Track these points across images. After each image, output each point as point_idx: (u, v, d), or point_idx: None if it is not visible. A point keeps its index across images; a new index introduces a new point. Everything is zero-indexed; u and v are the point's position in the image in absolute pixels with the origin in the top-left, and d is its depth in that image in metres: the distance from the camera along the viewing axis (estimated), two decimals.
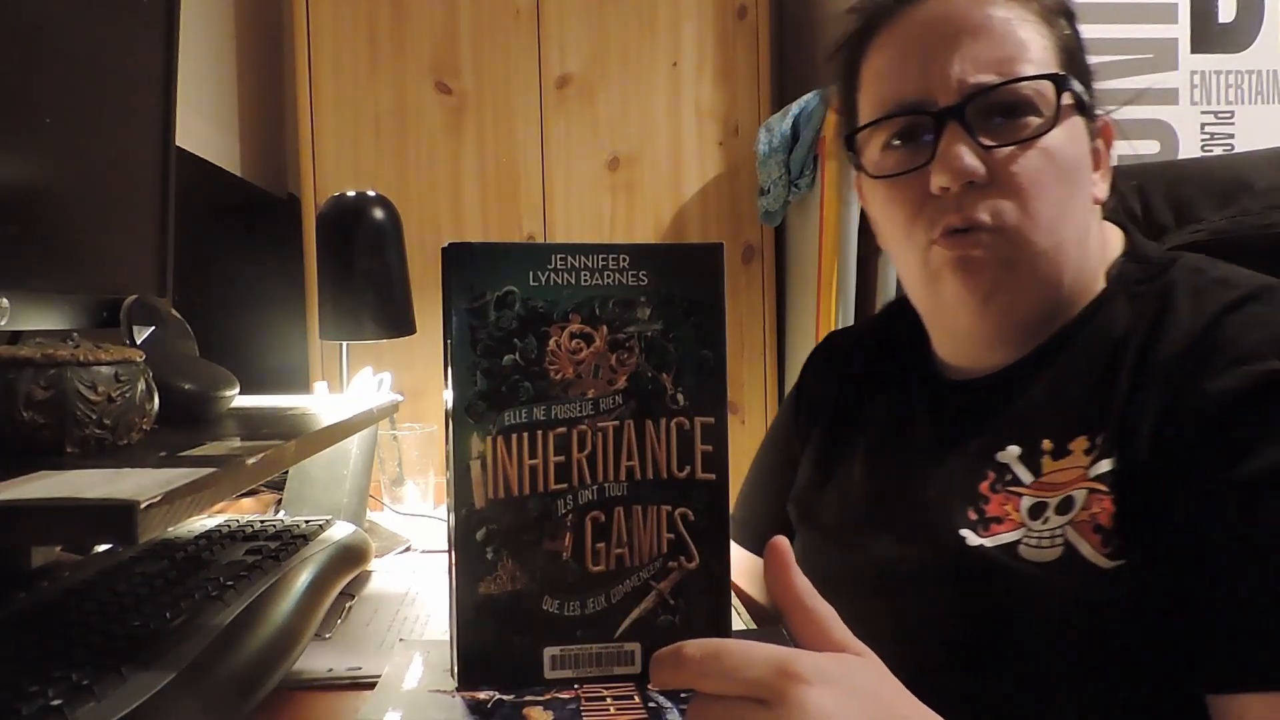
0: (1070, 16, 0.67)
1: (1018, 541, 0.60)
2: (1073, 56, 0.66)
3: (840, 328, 0.92)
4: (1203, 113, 1.64)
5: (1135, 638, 0.56)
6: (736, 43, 2.13)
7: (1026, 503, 0.61)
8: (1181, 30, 1.64)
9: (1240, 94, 1.65)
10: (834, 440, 0.79)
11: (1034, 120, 0.62)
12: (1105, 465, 0.59)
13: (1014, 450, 0.63)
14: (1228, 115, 1.64)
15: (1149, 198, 0.81)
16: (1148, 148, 1.61)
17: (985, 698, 0.59)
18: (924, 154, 0.64)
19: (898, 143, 0.66)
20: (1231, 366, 0.55)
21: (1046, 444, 0.62)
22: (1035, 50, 0.63)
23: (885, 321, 0.83)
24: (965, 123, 0.62)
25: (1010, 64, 0.62)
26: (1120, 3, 1.62)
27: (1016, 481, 0.62)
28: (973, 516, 0.63)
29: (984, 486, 0.64)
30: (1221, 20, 1.64)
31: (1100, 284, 0.67)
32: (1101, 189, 0.68)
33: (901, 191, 0.66)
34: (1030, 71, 0.62)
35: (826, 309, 1.79)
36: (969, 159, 0.61)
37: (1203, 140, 1.63)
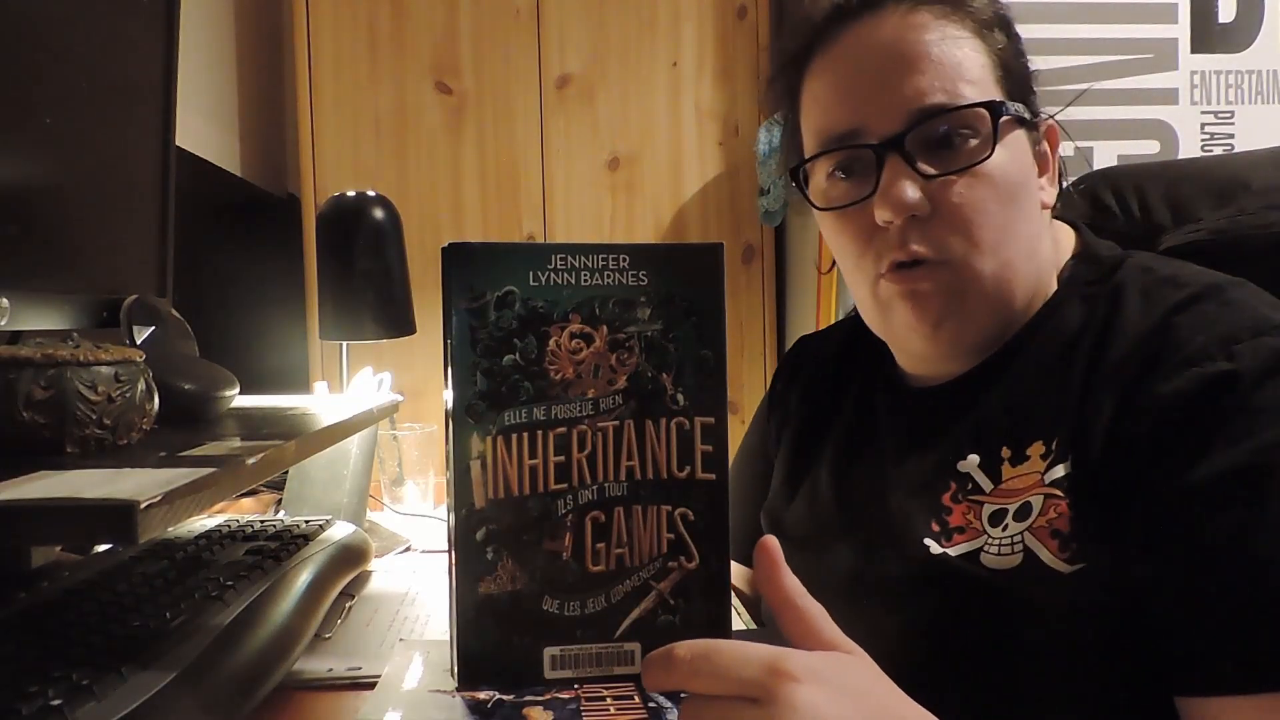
0: (1006, 26, 0.66)
1: (979, 550, 0.60)
2: (1010, 69, 0.65)
3: (810, 333, 0.92)
4: (1203, 113, 1.64)
5: (1102, 640, 0.56)
6: (736, 43, 2.13)
7: (988, 511, 0.61)
8: (1181, 30, 1.64)
9: (1240, 94, 1.65)
10: (801, 450, 0.79)
11: (973, 144, 0.62)
12: (1060, 470, 0.59)
13: (974, 459, 0.63)
14: (1228, 115, 1.64)
15: (1147, 197, 0.81)
16: (1148, 148, 1.61)
17: (956, 706, 0.59)
18: (867, 185, 0.64)
19: (841, 174, 0.66)
20: (1181, 368, 0.55)
21: (1005, 451, 0.62)
22: (972, 70, 0.63)
23: (852, 327, 0.82)
24: (905, 153, 0.62)
25: (947, 91, 0.62)
26: (1120, 3, 1.62)
27: (978, 490, 0.63)
28: (935, 528, 0.63)
29: (946, 497, 0.64)
30: (1221, 20, 1.64)
31: (1053, 286, 0.67)
32: (1050, 194, 0.68)
33: (848, 223, 0.66)
34: (969, 93, 0.62)
35: (826, 309, 1.79)
36: (910, 193, 0.61)
37: (1203, 140, 1.63)
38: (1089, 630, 0.56)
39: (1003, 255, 0.63)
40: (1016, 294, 0.64)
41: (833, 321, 1.78)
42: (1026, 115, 0.65)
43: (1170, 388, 0.55)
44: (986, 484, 0.62)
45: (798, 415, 0.81)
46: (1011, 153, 0.63)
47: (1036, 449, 0.61)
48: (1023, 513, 0.59)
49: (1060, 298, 0.66)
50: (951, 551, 0.62)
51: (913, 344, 0.68)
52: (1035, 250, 0.65)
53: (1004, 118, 0.62)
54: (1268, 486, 0.51)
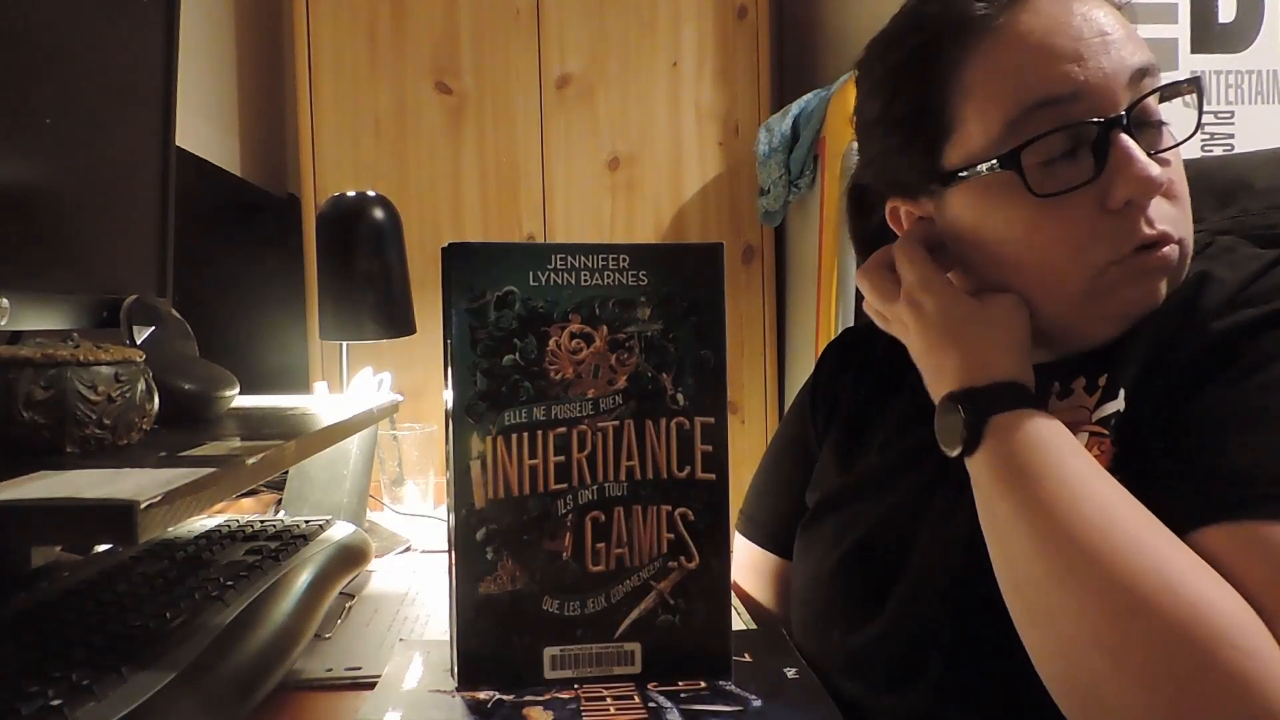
0: None
1: None
2: None
3: (853, 326, 0.90)
4: (1203, 113, 1.64)
5: None
6: (736, 43, 2.13)
7: None
8: (1181, 30, 1.64)
9: (1240, 94, 1.65)
10: (853, 435, 0.78)
11: (1170, 129, 0.61)
12: (1110, 407, 0.58)
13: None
14: (1228, 115, 1.64)
15: None
16: None
17: (993, 643, 0.58)
18: (1084, 165, 0.58)
19: (1057, 156, 0.59)
20: (1240, 308, 0.56)
21: (1055, 386, 0.63)
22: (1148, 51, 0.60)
23: None
24: (1130, 129, 0.57)
25: (1151, 67, 0.59)
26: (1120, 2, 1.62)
27: None
28: None
29: None
30: (1221, 20, 1.64)
31: None
32: None
33: (1066, 210, 0.58)
34: (1162, 75, 0.60)
35: (826, 309, 1.79)
36: (1154, 167, 0.56)
37: (1203, 140, 1.63)
38: None
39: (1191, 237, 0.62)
40: None
41: (833, 322, 1.78)
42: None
43: (1225, 324, 0.55)
44: None
45: (851, 401, 0.79)
46: None
47: (1079, 383, 0.61)
48: None
49: None
50: None
51: (1099, 329, 0.63)
52: None
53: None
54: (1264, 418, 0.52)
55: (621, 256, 0.58)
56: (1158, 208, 0.58)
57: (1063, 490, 0.51)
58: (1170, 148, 0.60)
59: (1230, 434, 0.51)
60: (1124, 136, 0.57)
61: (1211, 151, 1.62)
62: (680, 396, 0.59)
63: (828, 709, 0.55)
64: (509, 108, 2.08)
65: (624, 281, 0.58)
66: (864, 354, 0.82)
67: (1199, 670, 0.44)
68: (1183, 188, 0.61)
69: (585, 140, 2.10)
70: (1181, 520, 0.50)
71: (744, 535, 0.87)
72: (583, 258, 0.58)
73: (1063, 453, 0.54)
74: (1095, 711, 0.48)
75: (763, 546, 0.85)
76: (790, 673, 0.60)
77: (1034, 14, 0.59)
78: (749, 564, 0.86)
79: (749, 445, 2.14)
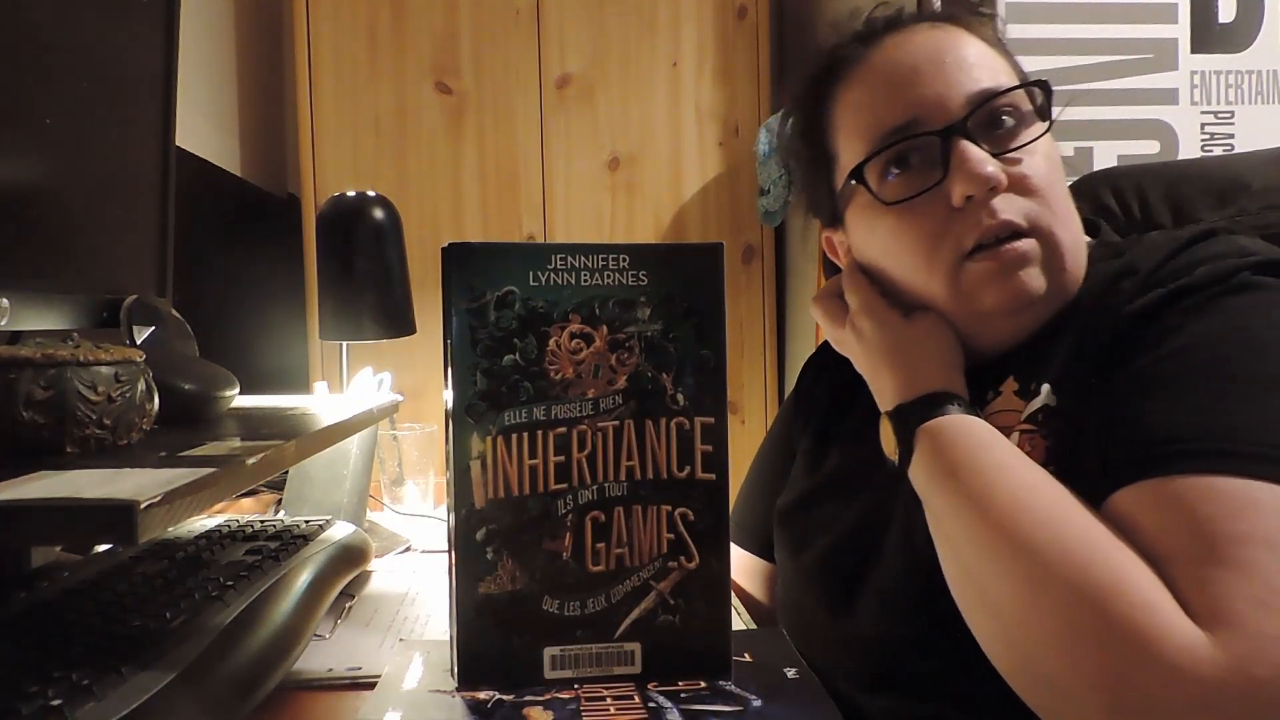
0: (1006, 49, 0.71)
1: None
2: (1016, 67, 0.70)
3: None
4: (1203, 113, 1.64)
5: None
6: (736, 43, 2.13)
7: None
8: (1181, 30, 1.64)
9: (1240, 94, 1.64)
10: (820, 441, 0.81)
11: (1029, 124, 0.65)
12: (1038, 403, 0.61)
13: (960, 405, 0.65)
14: (1228, 115, 1.64)
15: (1147, 198, 0.81)
16: (1148, 148, 1.61)
17: (964, 640, 0.59)
18: (929, 174, 0.64)
19: (896, 170, 0.66)
20: (1150, 288, 0.58)
21: (989, 394, 0.66)
22: (1000, 67, 0.67)
23: None
24: (969, 136, 0.63)
25: (994, 78, 0.65)
26: (1120, 3, 1.62)
27: None
28: None
29: None
30: (1221, 20, 1.64)
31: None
32: None
33: (917, 215, 0.65)
34: (1009, 82, 0.65)
35: None
36: (990, 165, 0.62)
37: (1203, 140, 1.63)
38: None
39: (1071, 228, 0.65)
40: (1080, 273, 0.65)
41: None
42: (1049, 112, 0.67)
43: (1135, 305, 0.58)
44: None
45: (823, 405, 0.83)
46: (1051, 138, 0.66)
47: (1009, 385, 0.64)
48: None
49: (1089, 272, 0.68)
50: None
51: (991, 327, 0.67)
52: (1080, 232, 0.67)
53: (1050, 97, 0.65)
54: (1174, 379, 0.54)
55: (621, 256, 0.58)
56: (1009, 202, 0.63)
57: (980, 479, 0.55)
58: (1019, 146, 0.64)
59: (1135, 403, 0.54)
60: (961, 141, 0.63)
61: (1211, 151, 1.62)
62: (680, 396, 0.59)
63: (828, 709, 0.55)
64: (509, 108, 2.08)
65: (624, 281, 0.58)
66: (836, 363, 0.84)
67: (1098, 629, 0.45)
68: (1046, 182, 0.64)
69: (585, 140, 2.10)
70: (1099, 491, 0.52)
71: (732, 541, 0.88)
72: (583, 258, 0.58)
73: (982, 446, 0.57)
74: (1038, 687, 0.50)
75: (750, 551, 0.88)
76: (790, 673, 0.60)
77: (881, 51, 0.68)
78: (739, 569, 0.88)
79: (749, 445, 2.13)
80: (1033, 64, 0.71)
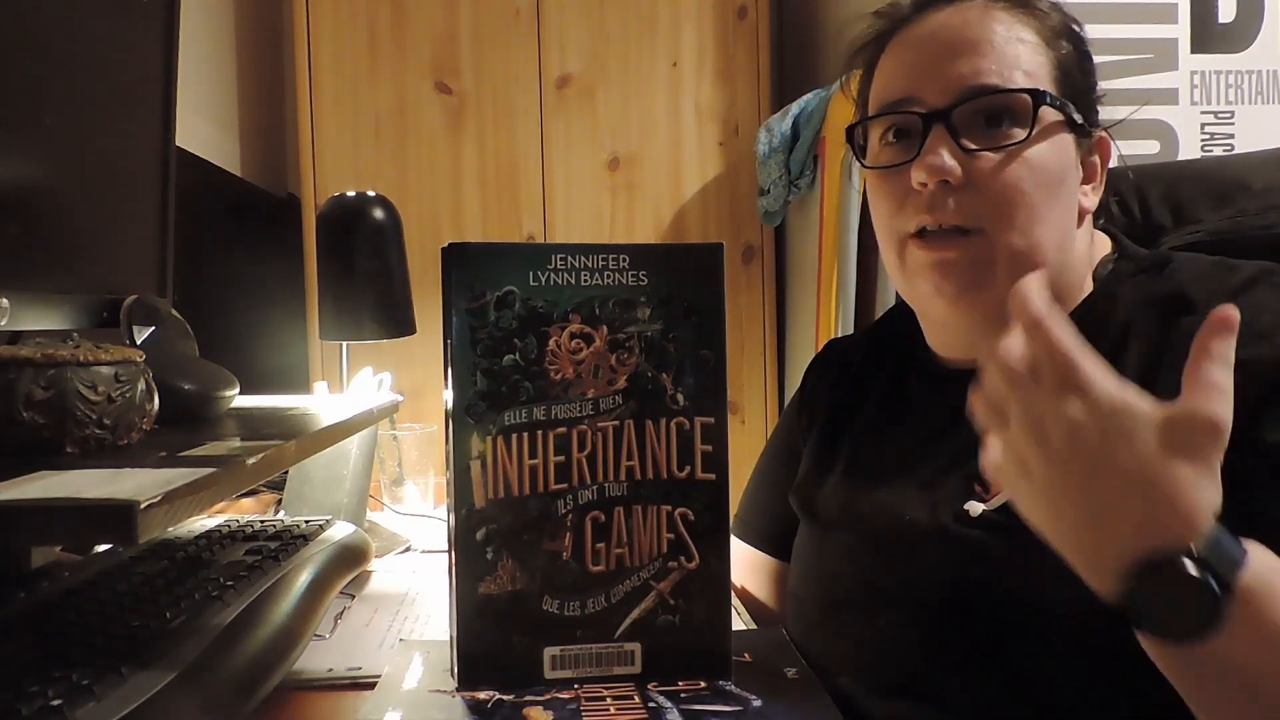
0: (1075, 38, 0.70)
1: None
2: (1069, 76, 0.68)
3: (840, 337, 0.94)
4: (1203, 113, 1.63)
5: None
6: (736, 43, 2.13)
7: None
8: (1181, 30, 1.63)
9: (1240, 94, 1.64)
10: (832, 434, 0.81)
11: (1016, 131, 0.65)
12: None
13: None
14: (1228, 115, 1.64)
15: (1147, 198, 0.81)
16: (1148, 148, 1.60)
17: (991, 657, 0.58)
18: (912, 150, 0.67)
19: (893, 139, 0.70)
20: (1259, 339, 0.57)
21: None
22: (1029, 65, 0.66)
23: (882, 325, 0.85)
24: (950, 125, 0.65)
25: (1001, 76, 0.65)
26: (1120, 3, 1.62)
27: None
28: (978, 489, 0.64)
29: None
30: (1221, 20, 1.64)
31: (1088, 286, 0.69)
32: (1091, 200, 0.70)
33: (888, 183, 0.69)
34: (1021, 82, 0.65)
35: (826, 309, 1.79)
36: (947, 159, 0.64)
37: (1203, 140, 1.62)
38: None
39: (1031, 237, 0.65)
40: (1066, 283, 0.67)
41: (833, 322, 1.78)
42: (1076, 118, 0.67)
43: (1250, 355, 0.55)
44: None
45: (828, 404, 0.83)
46: (1053, 147, 0.66)
47: None
48: None
49: (1104, 289, 0.68)
50: (991, 505, 0.62)
51: (936, 310, 0.70)
52: (1066, 244, 0.67)
53: (1046, 107, 0.65)
54: None
55: (621, 256, 0.58)
56: (964, 198, 0.64)
57: None
58: (994, 147, 0.64)
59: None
60: (938, 128, 0.65)
61: (1211, 151, 1.62)
62: (680, 396, 0.59)
63: (828, 709, 0.55)
64: (509, 108, 2.08)
65: (624, 281, 0.58)
66: (843, 360, 0.86)
67: None
68: (1012, 187, 0.64)
69: (585, 140, 2.10)
70: None
71: (737, 537, 0.89)
72: (583, 258, 0.58)
73: None
74: None
75: (755, 546, 0.88)
76: (790, 673, 0.60)
77: (916, 26, 0.70)
78: (742, 565, 0.88)
79: (749, 445, 2.14)
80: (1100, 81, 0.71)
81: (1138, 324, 0.63)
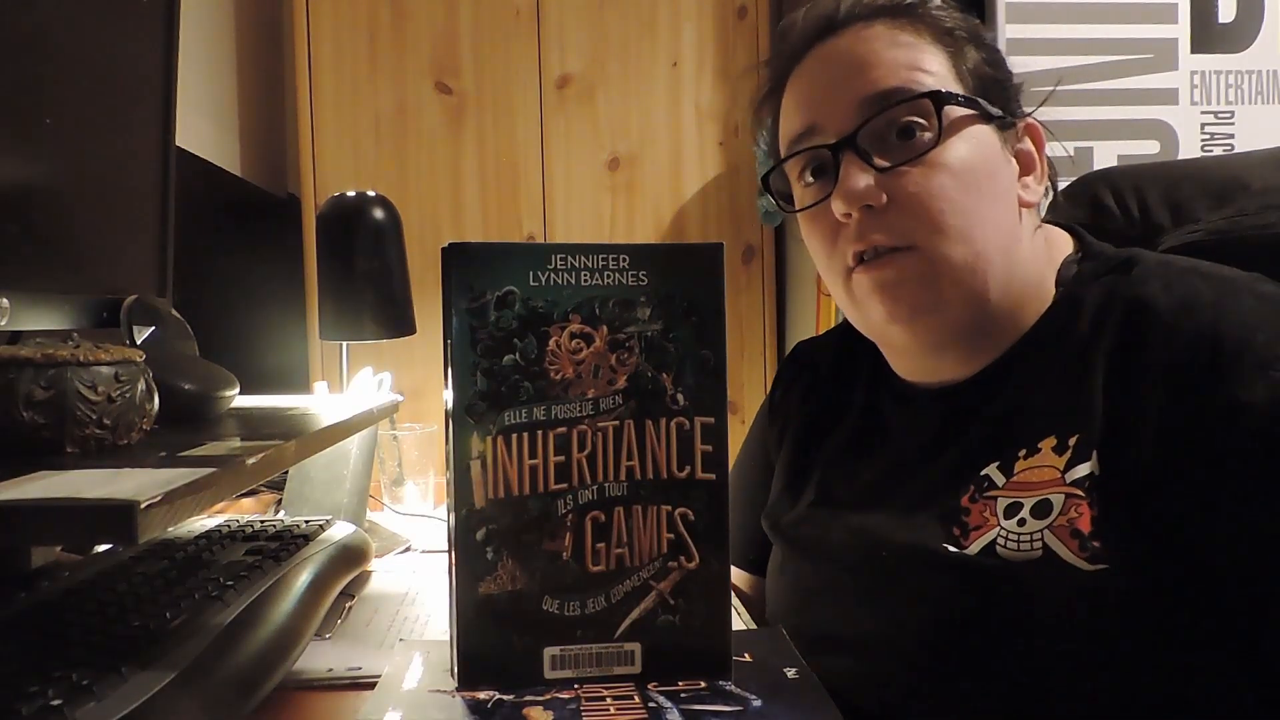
0: (974, 35, 0.68)
1: (994, 542, 0.60)
2: (975, 70, 0.67)
3: (807, 339, 0.92)
4: (1203, 113, 1.64)
5: (1122, 639, 0.56)
6: (736, 43, 2.13)
7: (1002, 504, 0.61)
8: (1181, 30, 1.64)
9: (1240, 94, 1.65)
10: (802, 453, 0.79)
11: (925, 135, 0.64)
12: (1084, 469, 0.58)
13: (989, 459, 0.63)
14: (1228, 115, 1.64)
15: (1146, 198, 0.81)
16: (1148, 148, 1.61)
17: (971, 698, 0.59)
18: (830, 185, 0.66)
19: (811, 178, 0.69)
20: (1256, 372, 0.55)
21: (1021, 451, 0.62)
22: (928, 67, 0.65)
23: (846, 331, 0.82)
24: (858, 149, 0.64)
25: (898, 90, 0.64)
26: (1120, 3, 1.62)
27: (993, 486, 0.62)
28: (956, 532, 0.63)
29: (964, 499, 0.63)
30: (1221, 20, 1.64)
31: (1049, 286, 0.67)
32: (1033, 192, 0.68)
33: (817, 223, 0.68)
34: (918, 88, 0.64)
35: (826, 309, 1.79)
36: (863, 183, 0.63)
37: (1203, 140, 1.63)
38: (1109, 628, 0.56)
39: (972, 244, 0.63)
40: (991, 284, 0.65)
41: (833, 322, 1.78)
42: (993, 111, 0.66)
43: (1251, 394, 0.54)
44: (1000, 479, 0.62)
45: (799, 418, 0.81)
46: (973, 145, 0.64)
47: (1048, 443, 0.61)
48: (1041, 510, 0.59)
49: (1067, 295, 0.66)
50: (970, 549, 0.61)
51: (892, 336, 0.69)
52: (1011, 245, 0.65)
53: (951, 106, 0.64)
54: None
55: (621, 256, 0.58)
56: (889, 218, 0.63)
57: None
58: (907, 160, 0.63)
59: None
60: (847, 155, 0.64)
61: (1211, 151, 1.62)
62: (680, 396, 0.59)
63: (828, 709, 0.55)
64: (509, 108, 2.08)
65: (624, 281, 0.58)
66: (814, 368, 0.84)
67: None
68: (935, 198, 0.63)
69: (585, 140, 2.10)
70: (1245, 606, 0.51)
71: None
72: (583, 258, 0.58)
73: None
74: None
75: (734, 565, 0.85)
76: (790, 673, 0.60)
77: (801, 67, 0.70)
78: None
79: None
80: (1033, 64, 0.71)
81: (1104, 334, 0.61)
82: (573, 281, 0.57)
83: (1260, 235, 0.71)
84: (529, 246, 0.59)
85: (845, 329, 0.83)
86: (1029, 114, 0.69)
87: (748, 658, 0.62)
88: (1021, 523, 0.59)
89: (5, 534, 0.44)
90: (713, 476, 0.59)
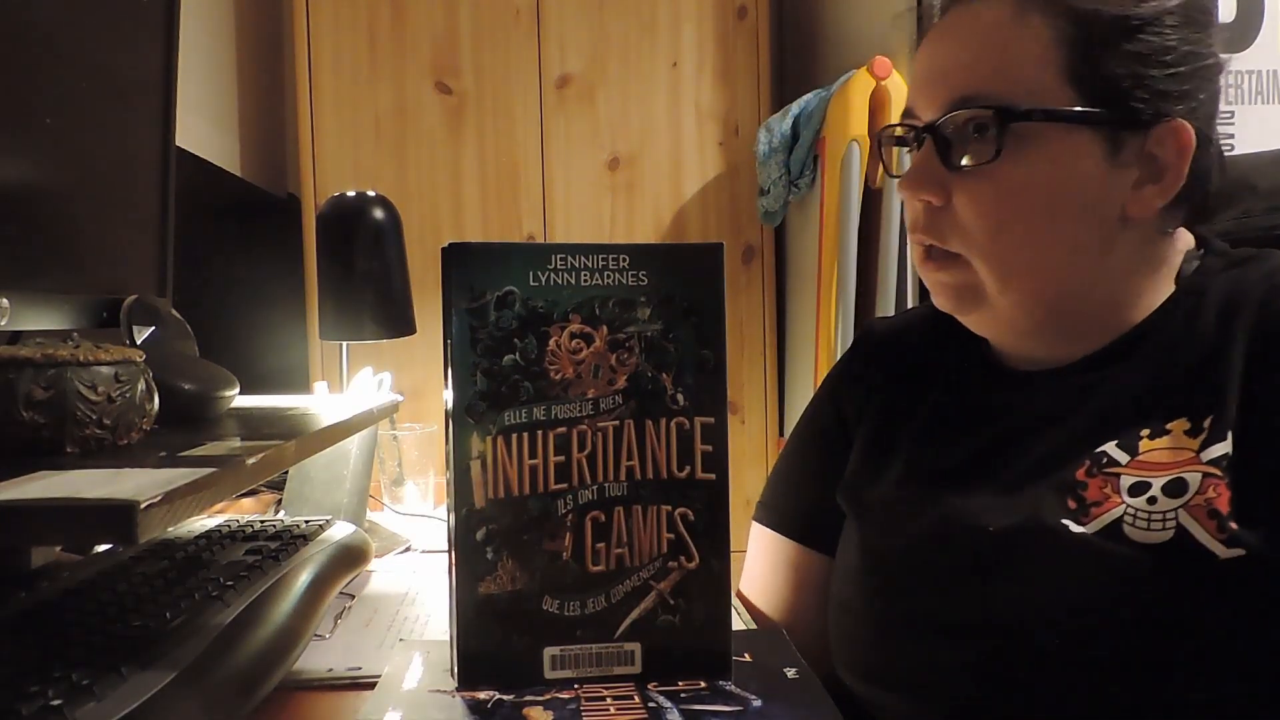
0: (1115, 24, 0.61)
1: (1120, 520, 0.57)
2: (1095, 67, 0.61)
3: (881, 317, 0.91)
4: None
5: (1256, 629, 0.54)
6: (736, 43, 2.13)
7: (1126, 481, 0.58)
8: None
9: (1240, 94, 1.64)
10: (885, 430, 0.76)
11: (987, 150, 0.61)
12: (1220, 449, 0.56)
13: (1107, 437, 0.61)
14: (1228, 115, 1.64)
15: None
16: None
17: (1096, 689, 0.56)
18: None
19: (906, 150, 0.70)
20: None
21: (1144, 431, 0.60)
22: (1023, 75, 0.61)
23: (932, 314, 0.77)
24: (938, 140, 0.64)
25: (971, 98, 0.62)
26: None
27: (1113, 463, 0.60)
28: (1072, 505, 0.60)
29: (1080, 473, 0.61)
30: (1221, 20, 1.64)
31: (1165, 284, 0.65)
32: (1148, 201, 0.63)
33: (907, 202, 0.70)
34: (1015, 91, 0.61)
35: (826, 309, 1.79)
36: (924, 179, 0.64)
37: None
38: (1243, 617, 0.54)
39: (1019, 262, 0.63)
40: (1050, 294, 0.64)
41: (833, 322, 1.78)
42: (1105, 116, 0.61)
43: None
44: (1123, 457, 0.60)
45: (882, 395, 0.78)
46: (1042, 162, 0.61)
47: (1180, 425, 0.59)
48: (1175, 488, 0.56)
49: (1190, 285, 0.64)
50: (1091, 529, 0.58)
51: (967, 323, 0.71)
52: (1083, 260, 0.63)
53: (1021, 123, 0.60)
54: None
55: (621, 256, 0.58)
56: (946, 220, 0.65)
57: None
58: (970, 166, 0.63)
59: None
60: (926, 144, 0.65)
61: None
62: (680, 396, 0.59)
63: (828, 709, 0.55)
64: (509, 108, 2.08)
65: (624, 281, 0.58)
66: (897, 349, 0.80)
67: None
68: (985, 213, 0.63)
69: (585, 140, 2.10)
70: None
71: (763, 524, 0.83)
72: (583, 258, 0.58)
73: None
74: None
75: (783, 534, 0.82)
76: (790, 673, 0.60)
77: (930, 35, 0.69)
78: (766, 553, 0.83)
79: (749, 445, 2.14)
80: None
81: (1238, 322, 0.59)
82: (573, 281, 0.57)
83: (1267, 236, 0.71)
84: (529, 246, 0.59)
85: (928, 313, 0.80)
86: (1172, 116, 0.62)
87: (748, 658, 0.62)
88: (1152, 500, 0.57)
89: (5, 534, 0.44)
90: (713, 476, 0.59)
